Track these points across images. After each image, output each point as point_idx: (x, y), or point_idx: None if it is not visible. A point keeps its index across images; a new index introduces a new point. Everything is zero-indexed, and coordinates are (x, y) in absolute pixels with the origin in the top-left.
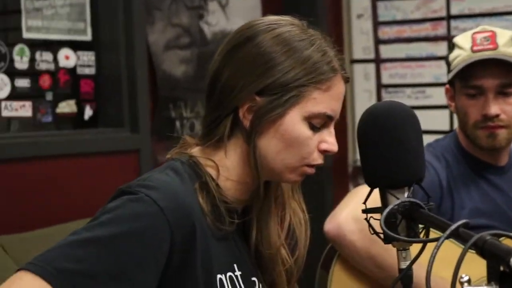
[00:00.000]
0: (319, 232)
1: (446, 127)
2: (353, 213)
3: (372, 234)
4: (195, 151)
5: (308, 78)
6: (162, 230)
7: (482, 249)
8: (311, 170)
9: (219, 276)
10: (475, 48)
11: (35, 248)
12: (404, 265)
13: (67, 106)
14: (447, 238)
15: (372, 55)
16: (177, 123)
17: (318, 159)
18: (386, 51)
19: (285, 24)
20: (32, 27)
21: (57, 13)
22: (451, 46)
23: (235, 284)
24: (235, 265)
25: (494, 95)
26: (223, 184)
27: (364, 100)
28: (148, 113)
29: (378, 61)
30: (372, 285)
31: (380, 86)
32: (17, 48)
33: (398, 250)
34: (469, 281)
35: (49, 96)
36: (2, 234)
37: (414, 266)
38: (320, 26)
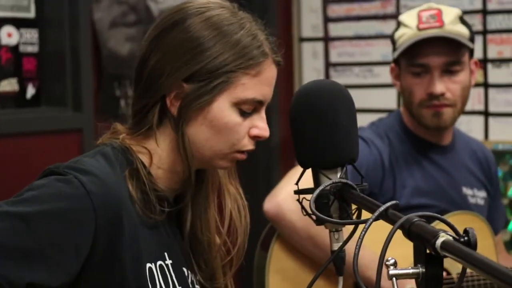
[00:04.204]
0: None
1: (393, 105)
2: (293, 192)
3: (305, 215)
4: (127, 138)
5: (236, 64)
6: (86, 214)
7: (408, 231)
8: (241, 156)
9: (148, 264)
10: (421, 26)
11: None
12: (336, 246)
13: (8, 85)
14: (375, 220)
15: (321, 34)
16: (122, 102)
17: (248, 145)
18: (335, 29)
19: (214, 7)
20: None
21: None
22: (397, 24)
23: (165, 272)
24: (165, 254)
25: (439, 74)
26: (155, 172)
27: (312, 79)
28: (92, 91)
29: (327, 39)
30: (311, 264)
31: (328, 64)
32: None
33: (330, 231)
34: (395, 264)
35: None
36: None
37: (363, 250)
38: (269, 3)
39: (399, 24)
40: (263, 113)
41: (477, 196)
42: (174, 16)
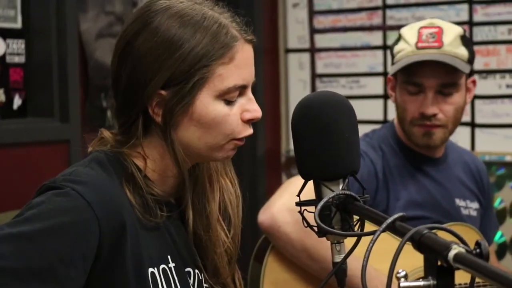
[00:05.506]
0: (253, 223)
1: (380, 117)
2: (288, 204)
3: (306, 227)
4: (117, 146)
5: (208, 57)
6: (89, 225)
7: (419, 243)
8: (240, 142)
9: (150, 269)
10: (419, 44)
11: None
12: (338, 258)
13: None
14: (383, 231)
15: (307, 45)
16: (109, 113)
17: (244, 131)
18: (321, 40)
19: (171, 5)
20: None
21: None
22: (398, 37)
23: (168, 276)
24: (168, 257)
25: (433, 94)
26: (151, 175)
27: (298, 90)
28: (79, 102)
29: (313, 50)
30: (306, 277)
31: (314, 75)
32: None
33: (332, 243)
34: (405, 277)
35: None
36: None
37: (349, 258)
38: (255, 14)
39: (399, 37)
40: (250, 95)
41: (470, 207)
42: (134, 26)
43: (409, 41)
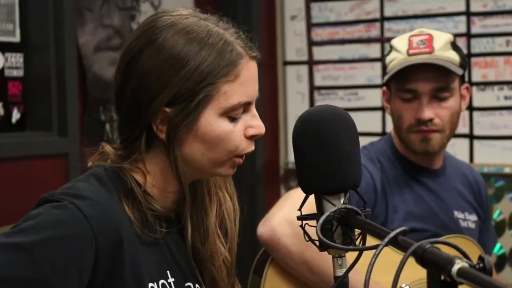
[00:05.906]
0: (252, 236)
1: (378, 129)
2: (287, 217)
3: (307, 241)
4: (118, 161)
5: (213, 75)
6: (85, 238)
7: (421, 258)
8: (239, 160)
9: (150, 284)
10: (411, 51)
11: None
12: (340, 272)
13: None
14: (385, 246)
15: (305, 57)
16: (107, 126)
17: (247, 148)
18: (319, 53)
19: (176, 22)
20: None
21: None
22: (389, 48)
23: None
24: (168, 272)
25: (428, 99)
26: (150, 190)
27: (296, 102)
28: (77, 116)
29: (311, 63)
30: None
31: (312, 88)
32: None
33: (333, 257)
34: None
35: None
36: None
37: (350, 272)
38: (254, 27)
39: (390, 48)
40: (254, 111)
41: (469, 219)
42: (139, 42)
43: (400, 50)
